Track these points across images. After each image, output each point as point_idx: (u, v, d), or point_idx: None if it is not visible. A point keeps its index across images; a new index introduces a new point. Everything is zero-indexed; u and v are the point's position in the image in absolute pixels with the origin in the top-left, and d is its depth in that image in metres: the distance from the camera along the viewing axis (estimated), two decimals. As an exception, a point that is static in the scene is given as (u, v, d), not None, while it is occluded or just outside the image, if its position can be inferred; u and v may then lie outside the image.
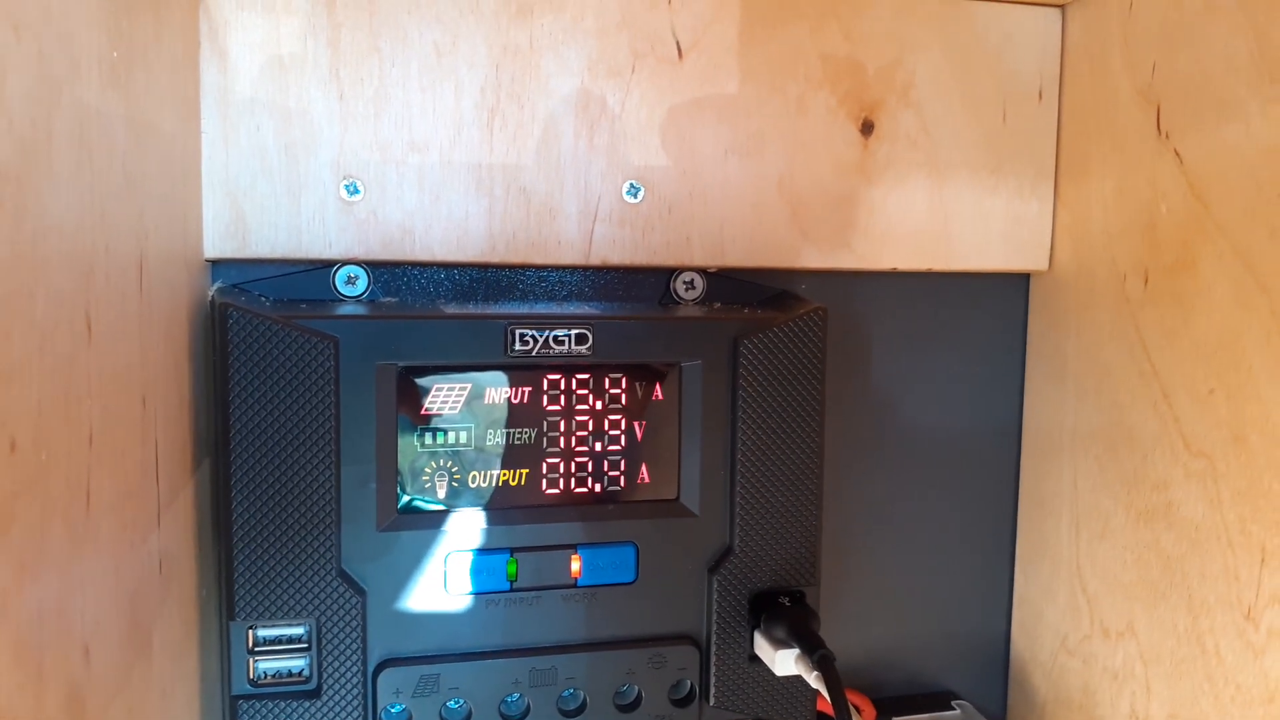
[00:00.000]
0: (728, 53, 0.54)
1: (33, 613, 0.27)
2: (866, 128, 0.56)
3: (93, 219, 0.32)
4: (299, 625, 0.46)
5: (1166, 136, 0.50)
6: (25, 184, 0.26)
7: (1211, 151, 0.48)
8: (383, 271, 0.52)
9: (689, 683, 0.51)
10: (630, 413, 0.50)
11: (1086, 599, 0.57)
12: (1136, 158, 0.52)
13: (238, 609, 0.45)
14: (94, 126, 0.32)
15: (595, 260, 0.53)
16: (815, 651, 0.46)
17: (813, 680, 0.46)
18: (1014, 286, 0.62)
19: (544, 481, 0.50)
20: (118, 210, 0.34)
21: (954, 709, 0.61)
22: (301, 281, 0.52)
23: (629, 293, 0.56)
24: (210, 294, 0.49)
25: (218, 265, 0.51)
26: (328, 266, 0.51)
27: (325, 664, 0.47)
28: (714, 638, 0.51)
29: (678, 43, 0.53)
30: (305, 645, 0.46)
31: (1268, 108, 0.44)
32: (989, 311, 0.62)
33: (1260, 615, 0.45)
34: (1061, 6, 0.58)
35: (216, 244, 0.49)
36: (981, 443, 0.63)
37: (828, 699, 0.45)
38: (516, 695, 0.49)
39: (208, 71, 0.48)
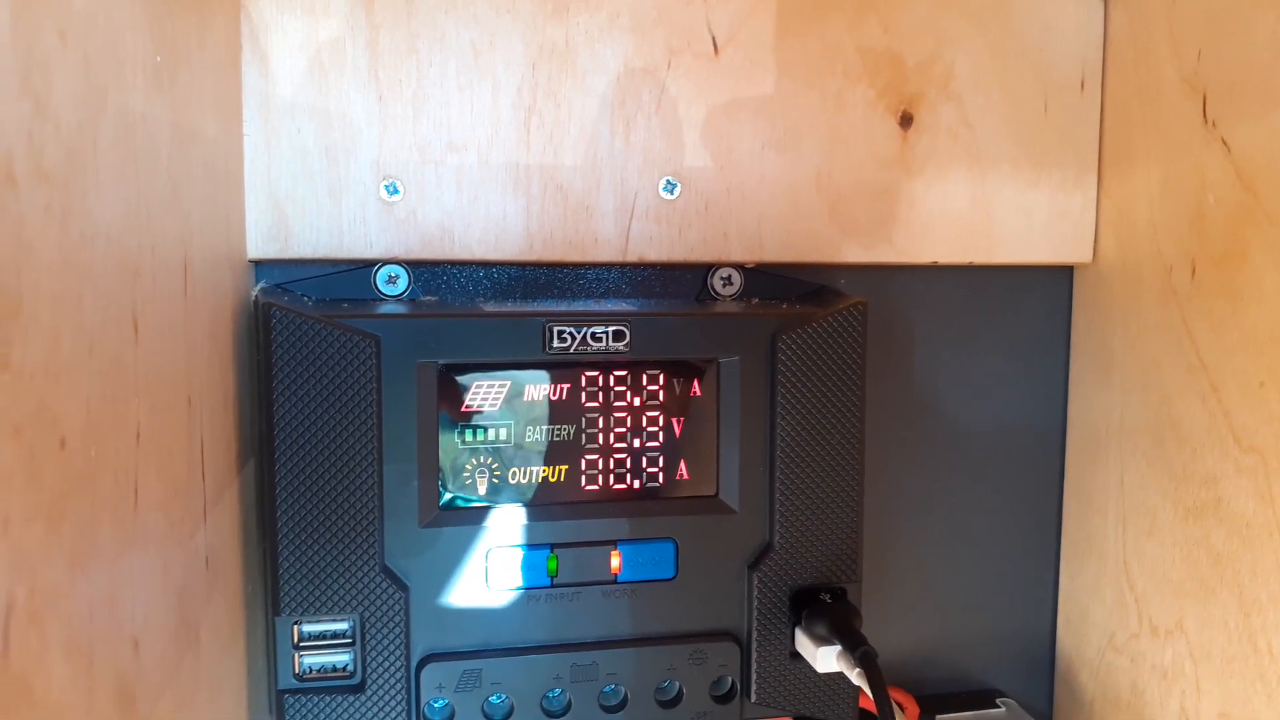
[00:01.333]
0: (764, 47, 0.54)
1: (84, 608, 0.27)
2: (906, 121, 0.56)
3: (138, 222, 0.32)
4: (343, 620, 0.47)
5: (1213, 125, 0.49)
6: (72, 188, 0.27)
7: (1260, 140, 0.47)
8: (423, 270, 0.53)
9: (730, 679, 0.51)
10: (669, 409, 0.50)
11: (1134, 596, 0.56)
12: (1183, 147, 0.51)
13: (283, 604, 0.46)
14: (139, 131, 0.33)
15: (632, 257, 0.53)
16: (857, 648, 0.46)
17: (855, 677, 0.46)
18: (1057, 280, 0.61)
19: (583, 478, 0.50)
20: (163, 213, 0.35)
21: (999, 707, 0.60)
22: (343, 281, 0.52)
23: (666, 289, 0.56)
24: (254, 294, 0.50)
25: (261, 266, 0.51)
26: (369, 266, 0.52)
27: (369, 659, 0.47)
28: (755, 634, 0.51)
29: (714, 38, 0.53)
30: (349, 640, 0.47)
31: (1318, 94, 0.43)
32: (1032, 305, 0.61)
33: (1314, 612, 0.44)
34: (1104, -6, 0.57)
35: (259, 245, 0.50)
36: (1025, 438, 0.62)
37: (870, 696, 0.45)
38: (558, 690, 0.49)
39: (249, 74, 0.49)
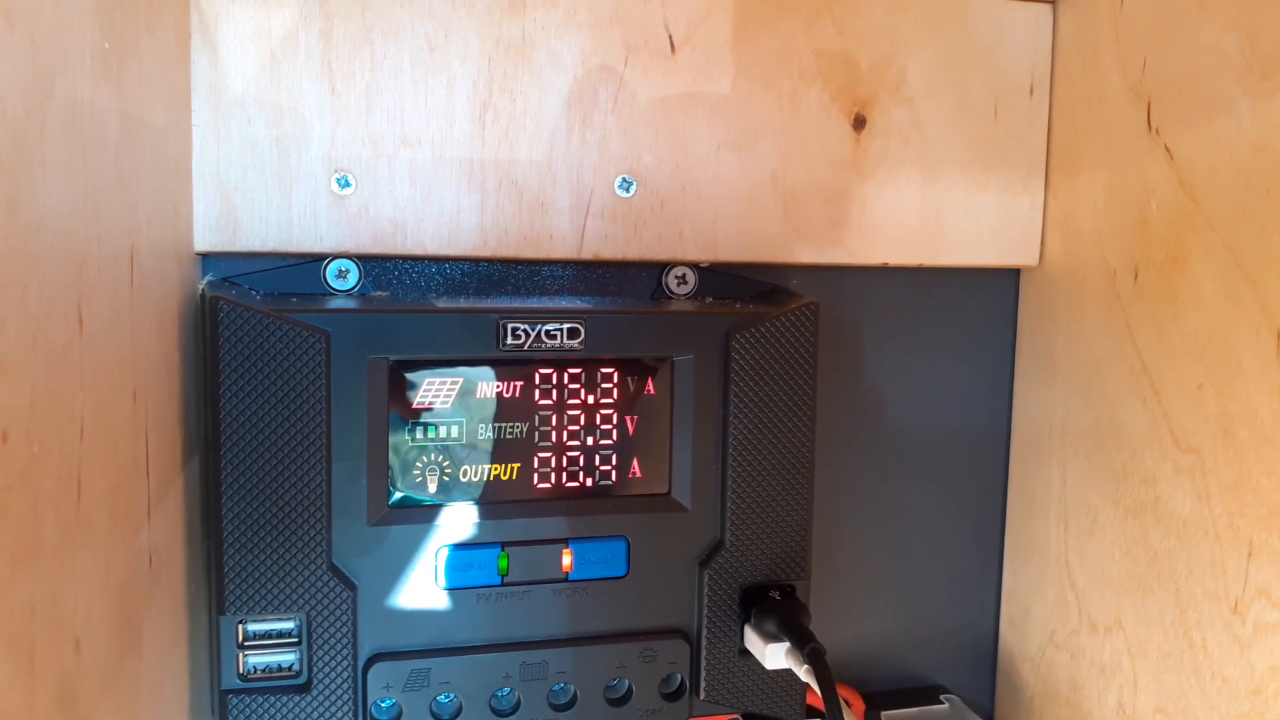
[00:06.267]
0: (721, 47, 0.54)
1: (25, 605, 0.26)
2: (859, 123, 0.56)
3: (85, 211, 0.32)
4: (289, 620, 0.46)
5: (1157, 133, 0.51)
6: (19, 175, 0.26)
7: (1202, 148, 0.48)
8: (374, 265, 0.52)
9: (679, 677, 0.51)
10: (622, 407, 0.50)
11: (1075, 594, 0.57)
12: (1127, 154, 0.53)
13: (228, 603, 0.45)
14: (86, 118, 0.32)
15: (587, 255, 0.53)
16: (806, 645, 0.46)
17: (803, 674, 0.47)
18: (1004, 282, 0.62)
19: (535, 476, 0.50)
20: (110, 203, 0.34)
21: (943, 703, 0.61)
22: (292, 275, 0.51)
23: (621, 288, 0.56)
24: (200, 287, 0.49)
25: (208, 258, 0.50)
26: (318, 260, 0.51)
27: (315, 658, 0.46)
28: (705, 632, 0.51)
29: (670, 37, 0.53)
30: (295, 640, 0.46)
31: (1258, 105, 0.45)
32: (980, 307, 0.62)
33: (1247, 608, 0.45)
34: (1053, 3, 0.58)
35: (207, 237, 0.49)
36: (971, 438, 0.63)
37: (818, 692, 0.45)
38: (507, 689, 0.49)
39: (199, 63, 0.48)
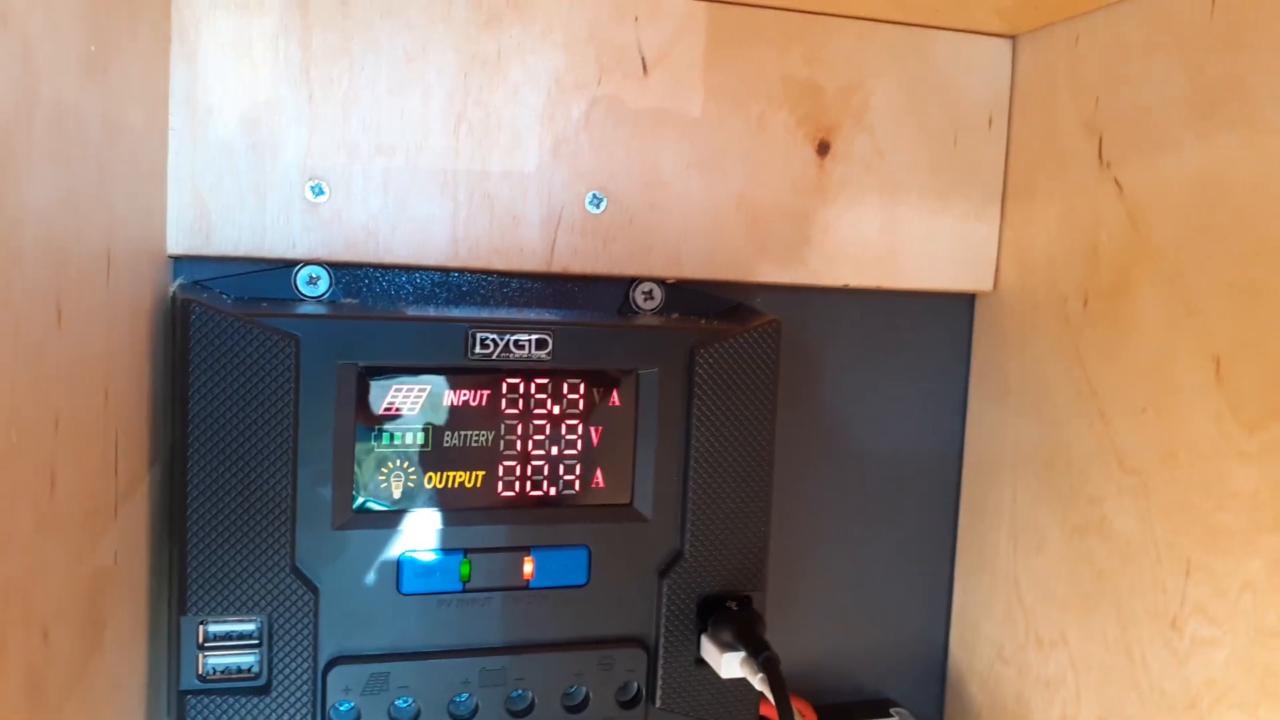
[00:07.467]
0: (692, 70, 0.55)
1: (-2, 593, 0.27)
2: (823, 148, 0.58)
3: (67, 210, 0.32)
4: (250, 622, 0.47)
5: (1108, 166, 0.53)
6: (5, 171, 0.26)
7: (1149, 181, 0.50)
8: (344, 273, 0.53)
9: (636, 685, 0.52)
10: (587, 418, 0.51)
11: (1023, 610, 0.58)
12: (1079, 185, 0.55)
13: (190, 604, 0.45)
14: (71, 118, 0.32)
15: (557, 268, 0.54)
16: (761, 654, 0.47)
17: (757, 682, 0.48)
18: (960, 306, 0.64)
19: (500, 484, 0.50)
20: (90, 203, 0.35)
21: (893, 716, 0.62)
22: (262, 280, 0.52)
23: (589, 301, 0.57)
24: (172, 290, 0.49)
25: (180, 261, 0.51)
26: (290, 266, 0.52)
27: (275, 661, 0.47)
28: (662, 640, 0.52)
29: (643, 59, 0.55)
30: (256, 642, 0.47)
31: (1200, 141, 0.47)
32: (936, 330, 0.64)
33: (1184, 624, 0.47)
34: (1013, 39, 0.60)
35: (180, 240, 0.49)
36: (926, 458, 0.64)
37: (771, 701, 0.46)
38: (466, 695, 0.50)
39: (177, 69, 0.48)
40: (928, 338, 0.64)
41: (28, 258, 0.28)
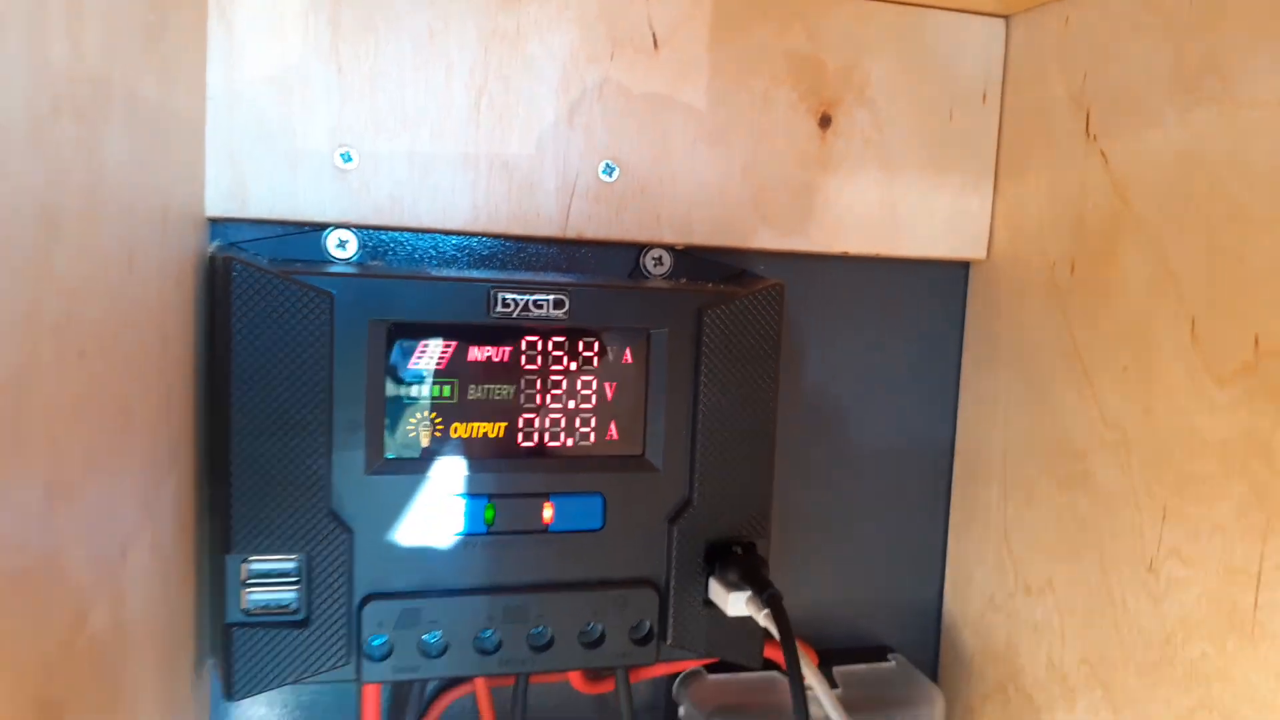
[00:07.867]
0: (699, 47, 0.58)
1: (100, 504, 0.30)
2: (825, 122, 0.61)
3: (134, 168, 0.35)
4: (290, 560, 0.50)
5: (1095, 139, 0.56)
6: (95, 129, 0.30)
7: (1133, 153, 0.53)
8: (371, 237, 0.56)
9: (649, 624, 0.55)
10: (601, 374, 0.54)
11: (1012, 560, 0.62)
12: (1068, 157, 0.58)
13: (235, 542, 0.49)
14: (137, 83, 0.35)
15: (571, 233, 0.57)
16: (765, 591, 0.51)
17: (762, 619, 0.51)
18: (955, 273, 0.67)
19: (520, 435, 0.54)
20: (151, 163, 0.38)
21: (889, 661, 0.66)
22: (293, 243, 0.55)
23: (601, 266, 0.60)
24: (210, 250, 0.52)
25: (216, 224, 0.54)
26: (320, 230, 0.55)
27: (314, 597, 0.50)
28: (673, 582, 0.55)
29: (654, 35, 0.58)
30: (295, 580, 0.50)
31: (1182, 116, 0.50)
32: (932, 296, 0.67)
33: (1160, 566, 0.50)
34: (1006, 18, 0.63)
35: (218, 203, 0.52)
36: (921, 416, 0.68)
37: (776, 637, 0.50)
38: (490, 630, 0.53)
39: (215, 38, 0.51)
40: (924, 304, 0.67)
41: (110, 207, 0.31)
